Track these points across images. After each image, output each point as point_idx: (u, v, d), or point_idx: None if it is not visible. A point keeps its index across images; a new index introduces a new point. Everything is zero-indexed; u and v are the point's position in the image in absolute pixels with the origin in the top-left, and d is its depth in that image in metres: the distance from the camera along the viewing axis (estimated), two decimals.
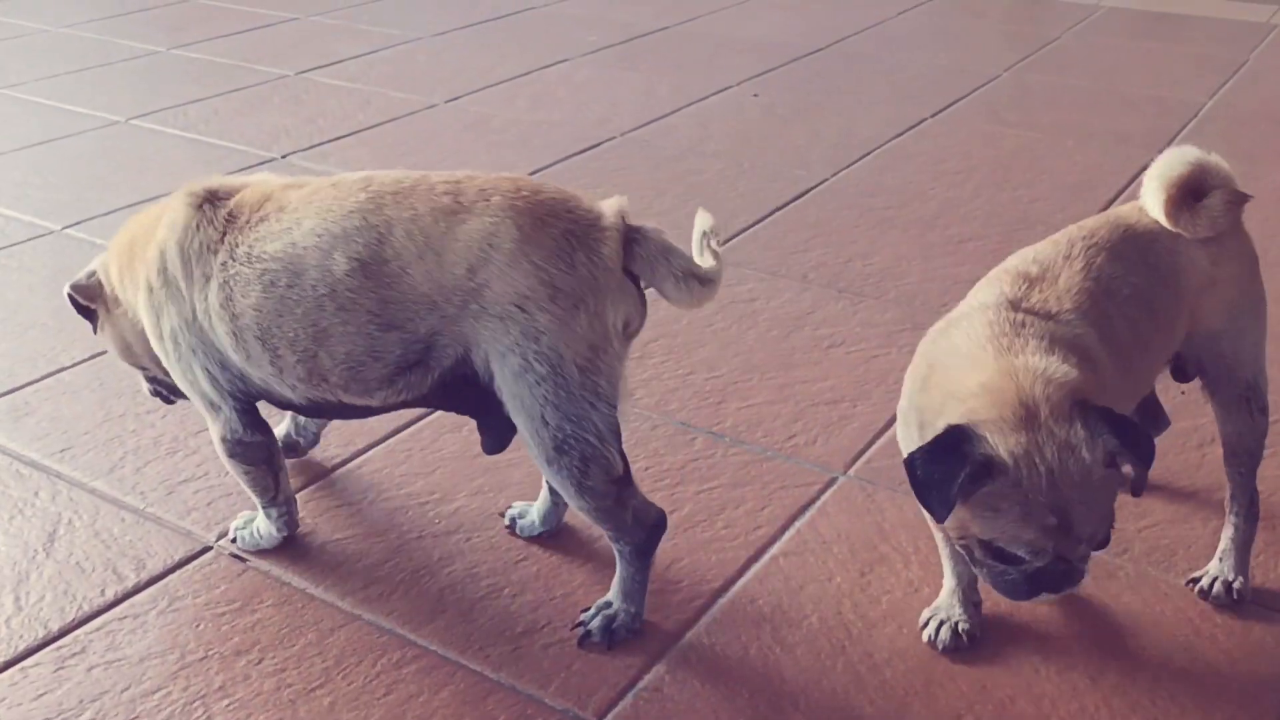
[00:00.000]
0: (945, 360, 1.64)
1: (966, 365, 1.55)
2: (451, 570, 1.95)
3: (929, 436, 1.51)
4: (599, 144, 3.97)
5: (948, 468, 1.44)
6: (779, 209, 3.43)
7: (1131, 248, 1.71)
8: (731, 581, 1.93)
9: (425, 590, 1.90)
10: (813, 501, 2.14)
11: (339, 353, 1.65)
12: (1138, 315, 1.67)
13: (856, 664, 1.77)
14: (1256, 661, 1.75)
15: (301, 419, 2.19)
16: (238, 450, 1.89)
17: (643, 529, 1.76)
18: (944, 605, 1.81)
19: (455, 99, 4.45)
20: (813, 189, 3.59)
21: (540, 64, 4.89)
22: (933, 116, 4.24)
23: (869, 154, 3.88)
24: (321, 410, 1.88)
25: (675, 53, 5.12)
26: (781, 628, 1.84)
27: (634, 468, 2.18)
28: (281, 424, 2.21)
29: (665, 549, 1.99)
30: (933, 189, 3.58)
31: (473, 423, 2.31)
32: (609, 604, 1.80)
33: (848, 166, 3.77)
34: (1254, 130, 4.10)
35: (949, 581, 1.81)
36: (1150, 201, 1.75)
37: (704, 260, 1.73)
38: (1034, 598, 1.57)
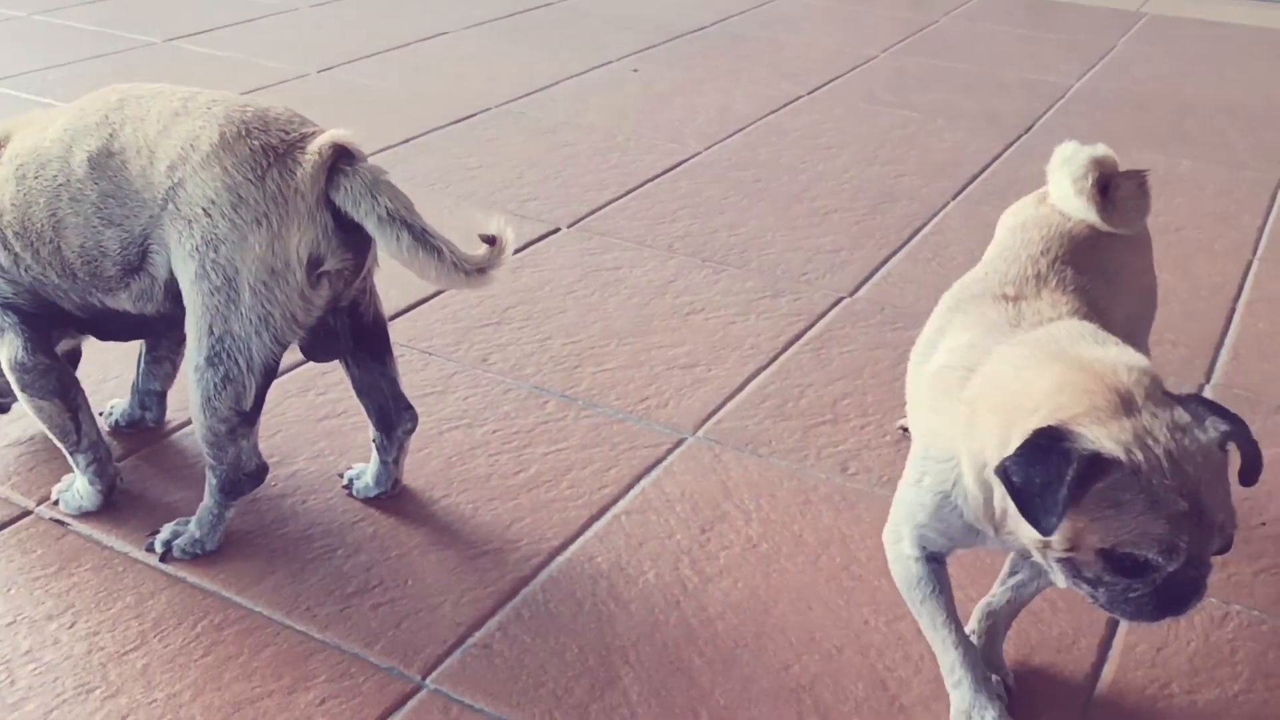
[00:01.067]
0: (990, 389, 1.44)
1: (1026, 377, 1.40)
2: (284, 532, 1.90)
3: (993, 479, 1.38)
4: (474, 114, 3.91)
5: (1051, 469, 1.28)
6: (649, 181, 3.43)
7: (1085, 255, 1.69)
8: (571, 540, 1.92)
9: (255, 552, 1.85)
10: (660, 461, 2.13)
11: (74, 244, 1.70)
12: (1103, 321, 1.62)
13: (690, 618, 1.77)
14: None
15: (143, 387, 2.12)
16: (27, 380, 1.84)
17: (237, 471, 1.77)
18: (964, 715, 1.55)
19: (330, 69, 4.36)
20: (684, 162, 3.58)
21: (420, 36, 4.81)
22: (809, 94, 4.28)
23: (743, 129, 3.90)
24: (100, 321, 1.85)
25: (559, 28, 5.09)
26: (618, 584, 1.83)
27: (482, 431, 2.18)
28: (123, 401, 2.15)
29: (507, 509, 1.98)
30: (804, 163, 3.61)
31: (319, 386, 2.29)
32: (186, 522, 1.85)
33: (721, 141, 3.78)
34: (1117, 113, 4.22)
35: (964, 680, 1.56)
36: (1073, 205, 1.73)
37: (475, 250, 1.70)
38: (1162, 618, 1.37)
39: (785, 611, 1.78)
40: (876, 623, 1.77)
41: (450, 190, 3.31)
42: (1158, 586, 1.33)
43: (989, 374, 1.46)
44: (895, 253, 2.99)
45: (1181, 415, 1.33)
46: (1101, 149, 1.77)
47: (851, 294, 2.76)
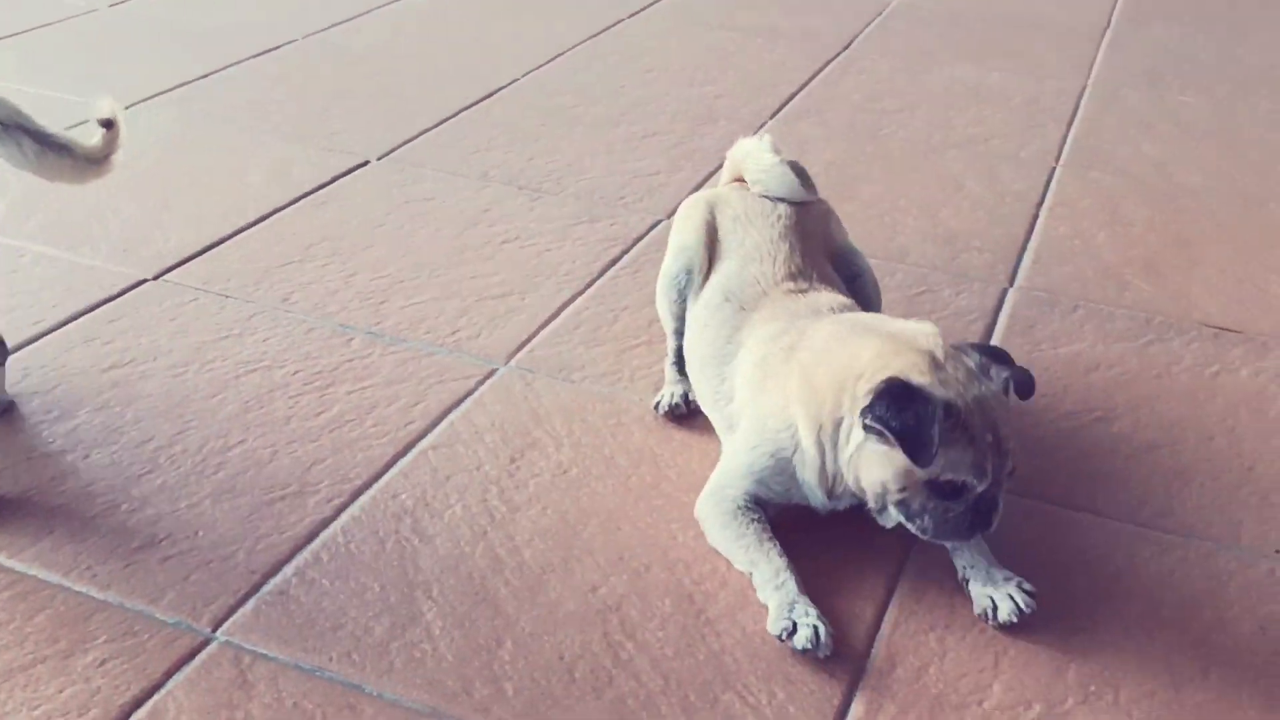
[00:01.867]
0: (818, 361, 1.70)
1: (850, 349, 1.68)
2: (64, 490, 1.78)
3: (833, 425, 1.65)
4: (281, 45, 3.73)
5: (921, 411, 1.53)
6: (464, 110, 3.32)
7: (810, 236, 2.03)
8: (375, 478, 1.86)
9: (31, 513, 1.73)
10: (470, 394, 2.08)
11: None
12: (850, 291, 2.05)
13: (496, 547, 1.73)
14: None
15: None
16: None
17: None
18: (788, 609, 1.59)
19: (122, 2, 4.09)
20: (501, 89, 3.48)
21: None
22: (630, 17, 4.22)
23: (562, 54, 3.81)
24: None
25: None
26: (423, 520, 1.78)
27: (282, 373, 2.09)
28: None
29: (308, 451, 1.90)
30: (623, 87, 3.55)
31: (104, 335, 2.16)
32: None
33: (540, 67, 3.68)
34: (932, 29, 4.26)
35: (788, 582, 1.62)
36: (779, 183, 2.06)
37: (90, 138, 1.69)
38: (974, 534, 1.62)
39: (594, 534, 1.76)
40: (684, 538, 1.76)
41: (254, 125, 3.15)
42: (970, 506, 1.59)
43: (814, 349, 1.72)
44: (714, 173, 2.98)
45: (974, 365, 1.64)
46: (768, 136, 2.17)
47: (669, 216, 2.73)
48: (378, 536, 1.73)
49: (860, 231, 2.37)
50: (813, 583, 1.63)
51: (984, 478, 1.56)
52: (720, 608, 1.64)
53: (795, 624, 1.56)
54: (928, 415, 1.53)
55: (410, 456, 1.91)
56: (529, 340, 2.24)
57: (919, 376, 1.58)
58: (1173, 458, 2.00)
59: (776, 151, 2.10)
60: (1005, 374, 1.65)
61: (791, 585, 1.61)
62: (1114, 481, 1.95)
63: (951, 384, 1.57)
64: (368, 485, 1.84)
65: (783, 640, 1.56)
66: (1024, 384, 1.68)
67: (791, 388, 1.72)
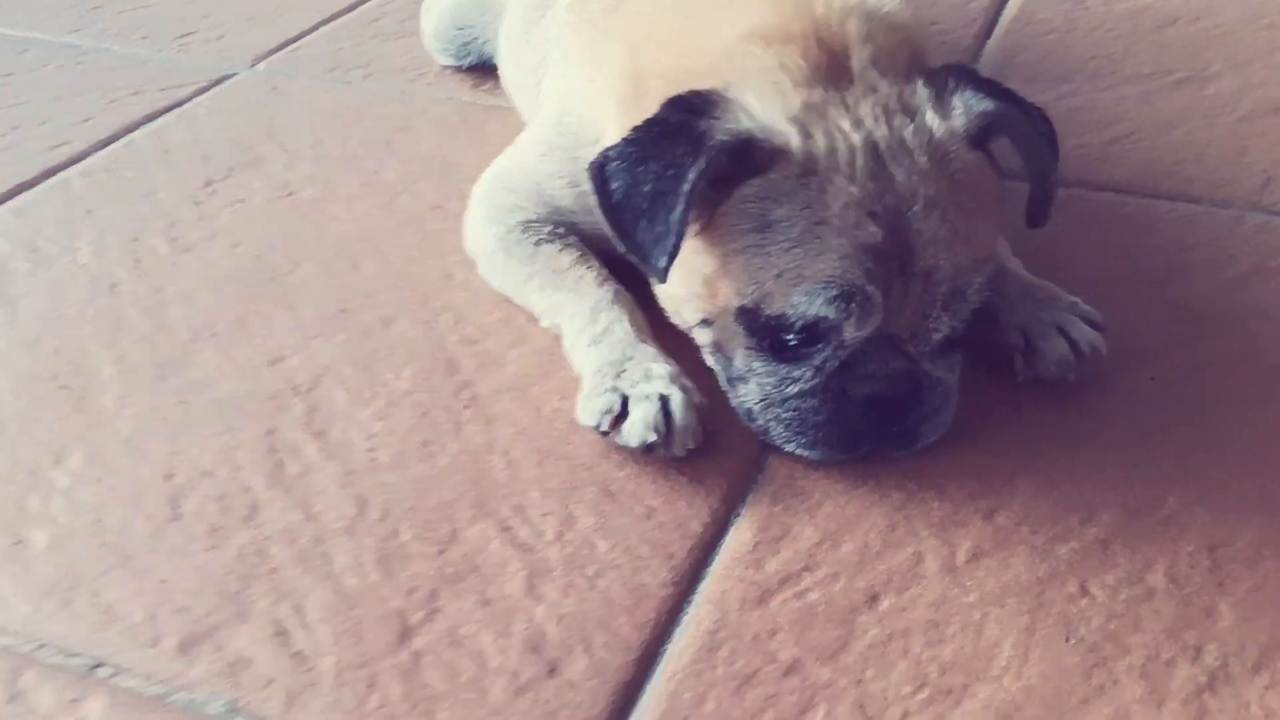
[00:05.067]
0: (650, 31, 0.88)
1: (707, 14, 0.86)
2: None
3: None
4: None
5: (668, 166, 0.76)
6: None
7: None
8: None
9: None
10: (175, 106, 1.34)
11: None
12: None
13: (126, 307, 1.00)
14: None
15: None
16: None
17: None
18: (613, 373, 0.86)
19: None
20: None
21: None
22: None
23: None
24: None
25: None
26: (20, 271, 1.07)
27: None
28: None
29: None
30: None
31: None
32: None
33: None
34: None
35: (604, 334, 0.89)
36: None
37: None
38: (853, 450, 0.80)
39: (308, 277, 1.01)
40: (465, 276, 1.04)
41: None
42: (834, 381, 0.79)
43: (656, 3, 0.91)
44: None
45: (914, 92, 0.81)
46: None
47: None
48: None
49: None
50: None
51: (861, 319, 0.77)
52: (499, 381, 0.92)
53: (625, 400, 0.83)
54: (676, 175, 0.73)
55: (44, 186, 1.19)
56: (297, 39, 1.49)
57: (767, 96, 0.77)
58: None
59: None
60: (985, 108, 0.80)
61: (621, 331, 0.88)
62: (1213, 157, 1.19)
63: (833, 116, 0.78)
64: None
65: (604, 432, 0.82)
66: (1031, 140, 0.81)
67: (606, 71, 0.91)
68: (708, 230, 0.79)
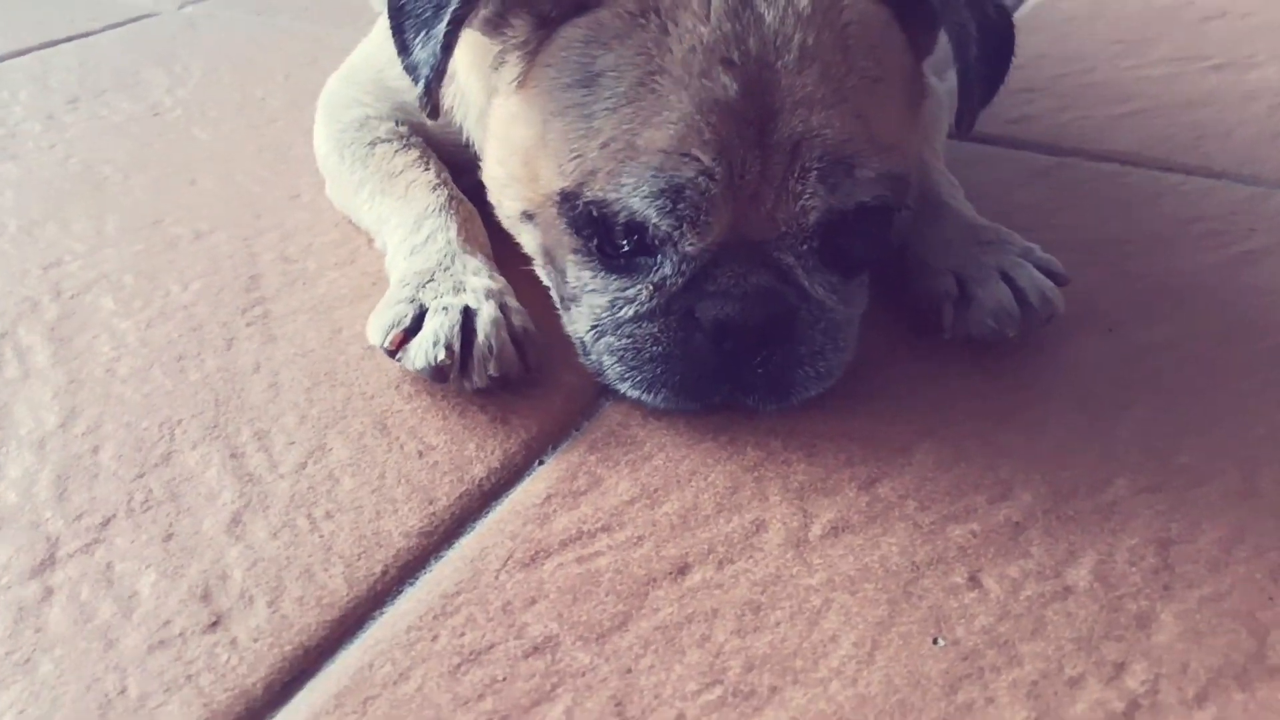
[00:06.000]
0: None
1: None
2: None
3: None
4: None
5: None
6: None
7: None
8: None
9: None
10: (73, 39, 1.23)
11: None
12: None
13: None
14: None
15: None
16: None
17: None
18: (416, 284, 0.69)
19: None
20: None
21: None
22: None
23: None
24: None
25: None
26: None
27: None
28: None
29: None
30: None
31: None
32: None
33: None
34: None
35: (445, 230, 0.73)
36: None
37: None
38: (712, 394, 0.61)
39: (137, 186, 0.88)
40: (311, 195, 0.89)
41: None
42: (678, 302, 0.61)
43: None
44: None
45: None
46: None
47: None
48: None
49: None
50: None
51: (701, 222, 0.58)
52: (301, 300, 0.75)
53: (421, 310, 0.65)
54: None
55: None
56: None
57: None
58: None
59: None
60: None
61: (444, 240, 0.69)
62: (1244, 136, 1.00)
63: None
64: None
65: (390, 352, 0.63)
66: (961, 20, 0.62)
67: None
68: (525, 85, 0.62)
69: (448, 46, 0.57)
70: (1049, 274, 0.70)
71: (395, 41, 0.61)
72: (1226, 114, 1.05)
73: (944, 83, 0.85)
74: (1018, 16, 1.34)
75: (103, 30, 1.24)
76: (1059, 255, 0.74)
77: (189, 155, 0.94)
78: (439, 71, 0.58)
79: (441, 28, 0.56)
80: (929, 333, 0.70)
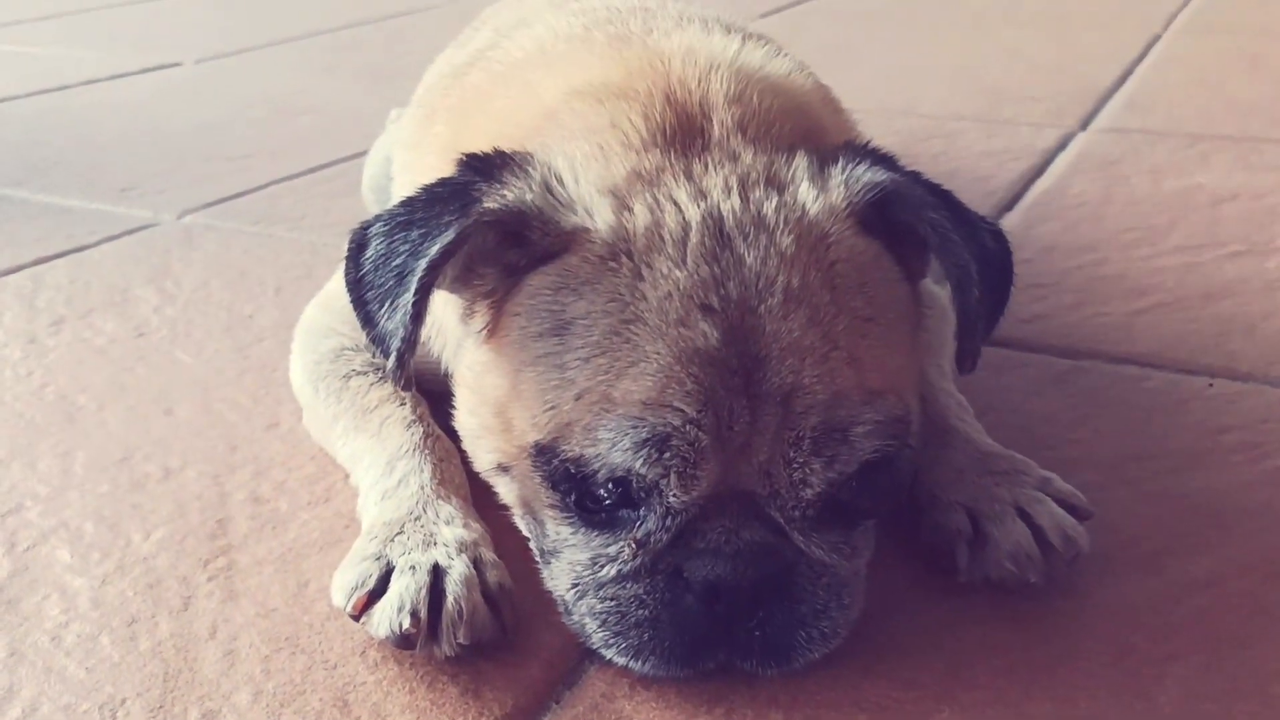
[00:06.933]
0: (476, 101, 0.76)
1: (523, 88, 0.71)
2: None
3: None
4: None
5: (427, 234, 0.57)
6: None
7: None
8: None
9: None
10: (81, 250, 1.22)
11: None
12: None
13: None
14: None
15: None
16: None
17: None
18: (384, 539, 0.65)
19: None
20: None
21: None
22: None
23: None
24: None
25: None
26: None
27: None
28: None
29: None
30: None
31: None
32: None
33: None
34: None
35: (398, 486, 0.70)
36: None
37: None
38: (706, 660, 0.56)
39: None
40: (290, 424, 0.85)
41: None
42: (664, 560, 0.56)
43: (490, 73, 0.76)
44: None
45: (789, 164, 0.61)
46: None
47: None
48: None
49: None
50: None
51: (689, 474, 0.53)
52: (270, 548, 0.70)
53: (388, 568, 0.59)
54: (423, 238, 0.56)
55: None
56: (242, 194, 1.36)
57: (583, 165, 0.59)
58: None
59: None
60: (869, 179, 0.59)
61: (417, 484, 0.65)
62: (1271, 330, 0.95)
63: (667, 188, 0.57)
64: None
65: (354, 616, 0.58)
66: (953, 245, 0.58)
67: (425, 153, 0.76)
68: (495, 334, 0.58)
69: (417, 316, 0.54)
70: (1070, 508, 0.65)
71: (358, 315, 0.58)
72: (1249, 306, 1.02)
73: (945, 289, 0.82)
74: (1025, 204, 1.33)
75: (98, 244, 1.24)
76: (1081, 474, 0.68)
77: (168, 381, 0.92)
78: (410, 342, 0.54)
79: (409, 297, 0.54)
80: (944, 572, 0.64)
